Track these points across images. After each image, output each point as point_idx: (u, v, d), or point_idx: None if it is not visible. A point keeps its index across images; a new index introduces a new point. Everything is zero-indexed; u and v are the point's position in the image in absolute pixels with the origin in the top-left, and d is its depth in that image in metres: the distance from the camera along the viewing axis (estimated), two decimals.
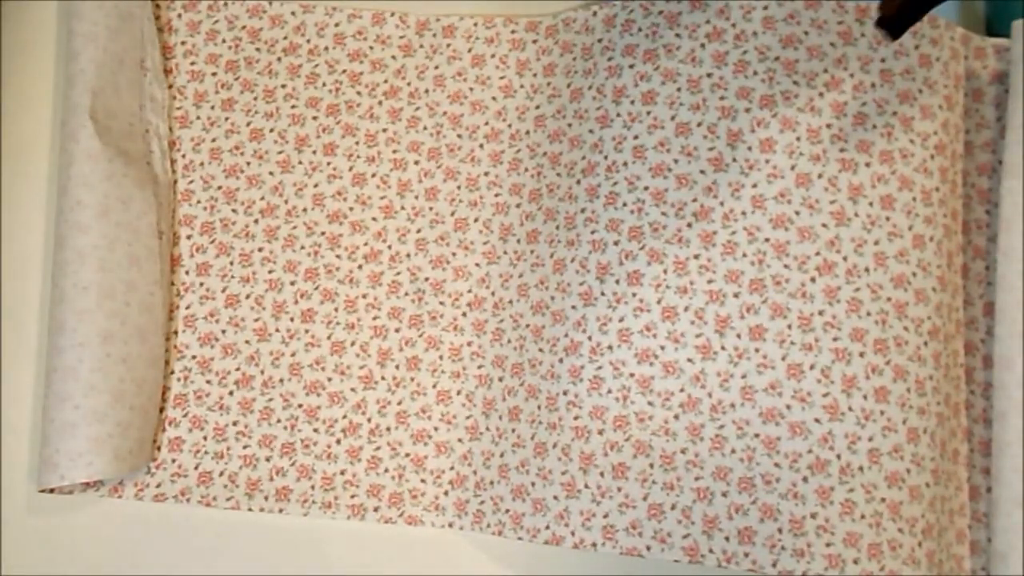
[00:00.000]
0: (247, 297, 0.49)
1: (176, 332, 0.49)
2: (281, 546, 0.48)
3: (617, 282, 0.44)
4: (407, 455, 0.48)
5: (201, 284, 0.49)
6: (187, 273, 0.49)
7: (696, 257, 0.44)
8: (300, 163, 0.50)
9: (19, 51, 0.51)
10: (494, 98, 0.51)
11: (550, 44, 0.50)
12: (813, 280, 0.44)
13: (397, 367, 0.48)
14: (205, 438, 0.48)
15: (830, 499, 0.42)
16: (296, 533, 0.48)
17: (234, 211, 0.50)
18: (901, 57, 0.46)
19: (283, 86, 0.51)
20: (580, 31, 0.49)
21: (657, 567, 0.47)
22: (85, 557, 0.47)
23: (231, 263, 0.49)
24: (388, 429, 0.48)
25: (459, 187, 0.50)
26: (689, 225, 0.45)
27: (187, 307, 0.49)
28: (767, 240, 0.44)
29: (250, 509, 0.47)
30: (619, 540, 0.43)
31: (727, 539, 0.42)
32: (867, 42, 0.46)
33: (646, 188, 0.45)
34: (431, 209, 0.50)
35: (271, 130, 0.50)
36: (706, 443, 0.43)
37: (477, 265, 0.49)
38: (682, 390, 0.43)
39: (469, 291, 0.49)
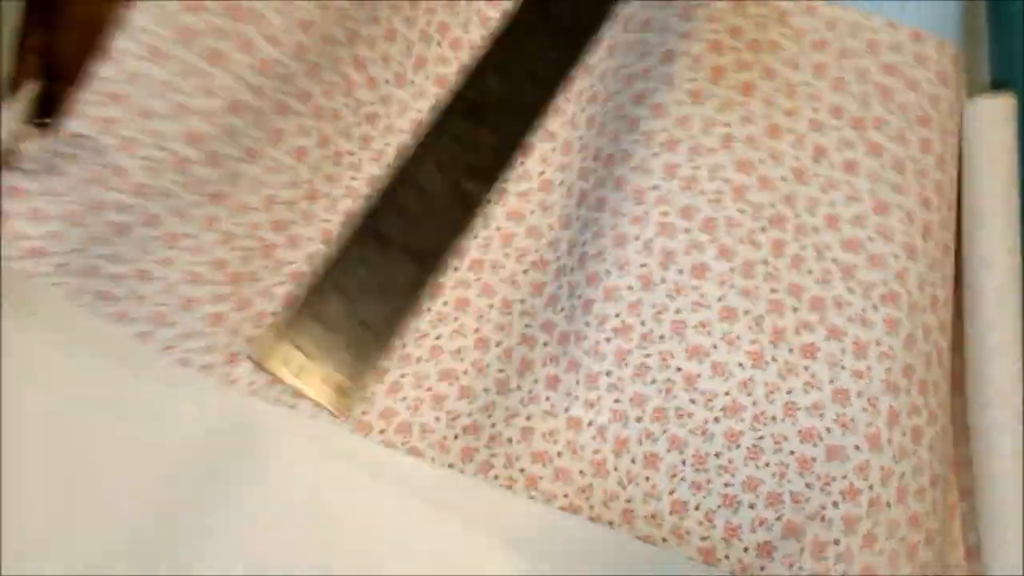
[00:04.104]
0: None
1: None
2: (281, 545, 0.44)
3: (680, 272, 0.43)
4: (429, 389, 0.45)
5: None
6: None
7: (764, 263, 0.43)
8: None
9: None
10: None
11: None
12: (875, 307, 0.43)
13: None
14: None
15: (855, 529, 0.41)
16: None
17: None
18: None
19: None
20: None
21: (661, 568, 0.45)
22: None
23: None
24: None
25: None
26: (763, 229, 0.43)
27: None
28: (835, 261, 0.43)
29: None
30: (637, 525, 0.41)
31: (745, 550, 0.41)
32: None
33: (727, 180, 0.44)
34: None
35: None
36: (742, 451, 0.42)
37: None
38: (727, 394, 0.42)
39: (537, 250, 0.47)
